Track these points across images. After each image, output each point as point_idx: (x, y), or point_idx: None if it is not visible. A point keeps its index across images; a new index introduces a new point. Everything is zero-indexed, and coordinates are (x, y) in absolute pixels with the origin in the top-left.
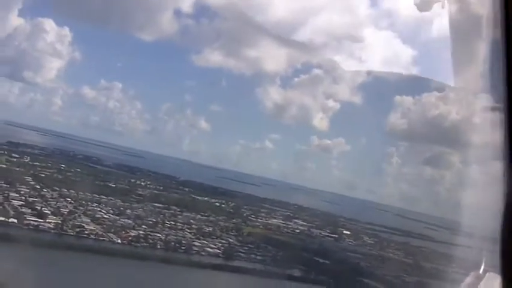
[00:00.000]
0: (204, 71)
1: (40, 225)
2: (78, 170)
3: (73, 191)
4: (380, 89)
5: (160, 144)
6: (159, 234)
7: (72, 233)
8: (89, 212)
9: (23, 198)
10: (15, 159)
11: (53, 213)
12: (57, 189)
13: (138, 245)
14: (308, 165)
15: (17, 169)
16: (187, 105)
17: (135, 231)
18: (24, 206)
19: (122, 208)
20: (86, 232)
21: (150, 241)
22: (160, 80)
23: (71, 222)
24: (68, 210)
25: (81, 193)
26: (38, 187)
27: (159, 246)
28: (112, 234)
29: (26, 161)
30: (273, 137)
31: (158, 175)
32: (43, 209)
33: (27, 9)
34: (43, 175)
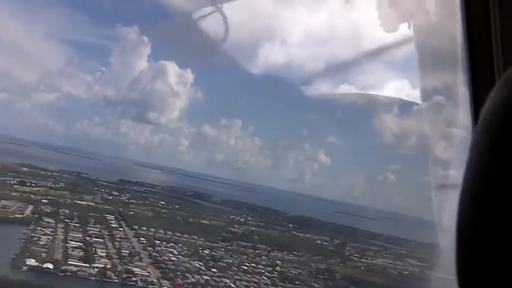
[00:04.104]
0: (316, 102)
1: (80, 271)
2: (177, 206)
3: (153, 229)
4: None
5: (281, 179)
6: (226, 280)
7: (115, 280)
8: (155, 254)
9: (85, 239)
10: (111, 197)
11: (107, 256)
12: (136, 227)
13: None
14: (433, 197)
15: (106, 207)
16: (304, 138)
17: (197, 277)
18: (77, 248)
19: (200, 248)
20: (133, 279)
21: None
22: (276, 114)
23: (122, 267)
24: (129, 252)
25: (161, 231)
26: (114, 226)
27: None
28: (166, 281)
29: (123, 198)
30: (394, 168)
31: (267, 211)
32: (99, 251)
33: (152, 53)
34: (131, 213)
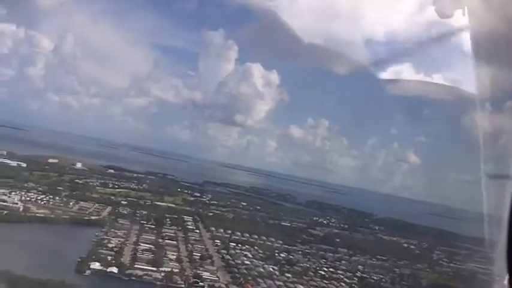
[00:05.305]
0: (403, 100)
1: (145, 275)
2: (258, 207)
3: (230, 231)
4: None
5: (369, 180)
6: (300, 286)
7: (181, 285)
8: (228, 257)
9: (157, 241)
10: (192, 199)
11: (177, 259)
12: (213, 229)
13: None
14: None
15: (186, 208)
16: (393, 138)
17: (269, 282)
18: (147, 251)
19: (276, 251)
20: (201, 284)
21: None
22: (363, 113)
23: (190, 271)
24: (200, 255)
25: (238, 233)
26: (190, 227)
27: None
28: (235, 287)
29: (204, 199)
30: (486, 168)
31: (352, 212)
32: (169, 254)
33: (238, 55)
34: (211, 214)
